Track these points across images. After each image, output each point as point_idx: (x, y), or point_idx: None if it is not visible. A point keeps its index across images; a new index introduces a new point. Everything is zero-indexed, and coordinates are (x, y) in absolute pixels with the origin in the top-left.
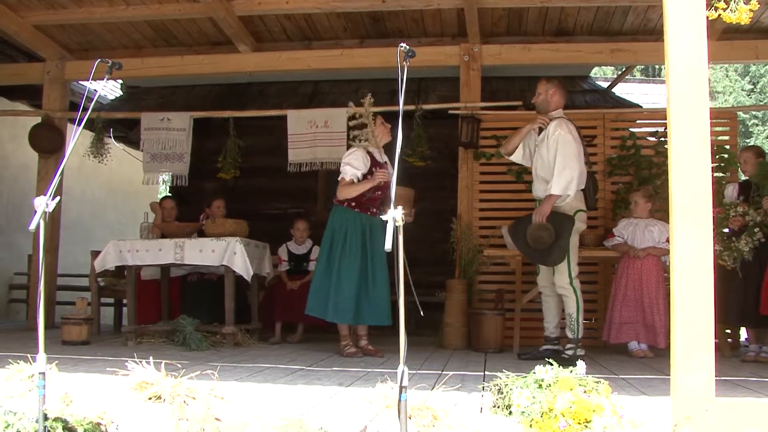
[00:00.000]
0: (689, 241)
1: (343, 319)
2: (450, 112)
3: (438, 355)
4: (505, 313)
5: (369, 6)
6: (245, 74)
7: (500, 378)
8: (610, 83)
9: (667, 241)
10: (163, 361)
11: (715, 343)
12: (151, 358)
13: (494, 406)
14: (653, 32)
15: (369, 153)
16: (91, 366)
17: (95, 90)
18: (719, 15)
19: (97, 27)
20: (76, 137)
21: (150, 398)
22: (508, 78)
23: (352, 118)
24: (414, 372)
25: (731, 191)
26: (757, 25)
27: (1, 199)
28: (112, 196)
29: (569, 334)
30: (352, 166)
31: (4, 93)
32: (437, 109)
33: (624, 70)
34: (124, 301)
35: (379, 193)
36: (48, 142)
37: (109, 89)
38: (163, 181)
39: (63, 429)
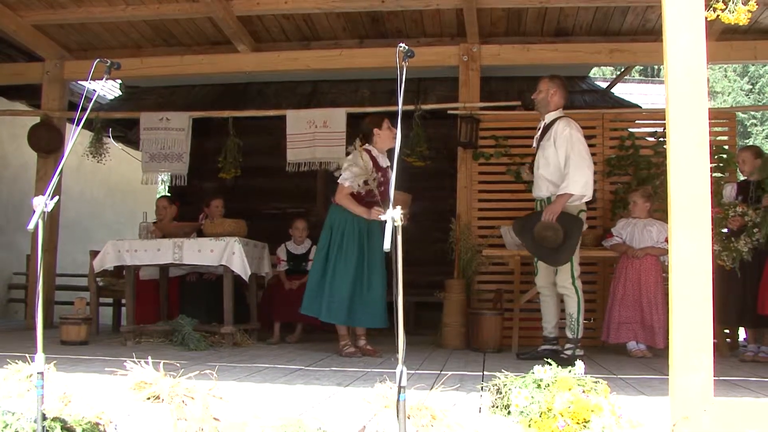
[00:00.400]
0: (688, 241)
1: (336, 319)
2: (449, 112)
3: (437, 355)
4: (504, 313)
5: (368, 6)
6: (244, 74)
7: (499, 378)
8: (609, 83)
9: (666, 241)
10: (162, 361)
11: (714, 343)
12: (149, 357)
13: (493, 406)
14: (652, 32)
15: (372, 157)
16: (90, 366)
17: (94, 90)
18: (718, 15)
19: (97, 27)
20: (75, 137)
21: (149, 398)
22: (507, 78)
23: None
24: (413, 372)
25: (730, 191)
26: (756, 25)
27: (0, 198)
28: (111, 196)
29: (569, 334)
30: (354, 174)
31: (3, 93)
32: (436, 109)
33: (623, 70)
34: (123, 301)
35: (377, 194)
36: (47, 141)
37: (108, 89)
38: (162, 181)
39: (61, 429)
